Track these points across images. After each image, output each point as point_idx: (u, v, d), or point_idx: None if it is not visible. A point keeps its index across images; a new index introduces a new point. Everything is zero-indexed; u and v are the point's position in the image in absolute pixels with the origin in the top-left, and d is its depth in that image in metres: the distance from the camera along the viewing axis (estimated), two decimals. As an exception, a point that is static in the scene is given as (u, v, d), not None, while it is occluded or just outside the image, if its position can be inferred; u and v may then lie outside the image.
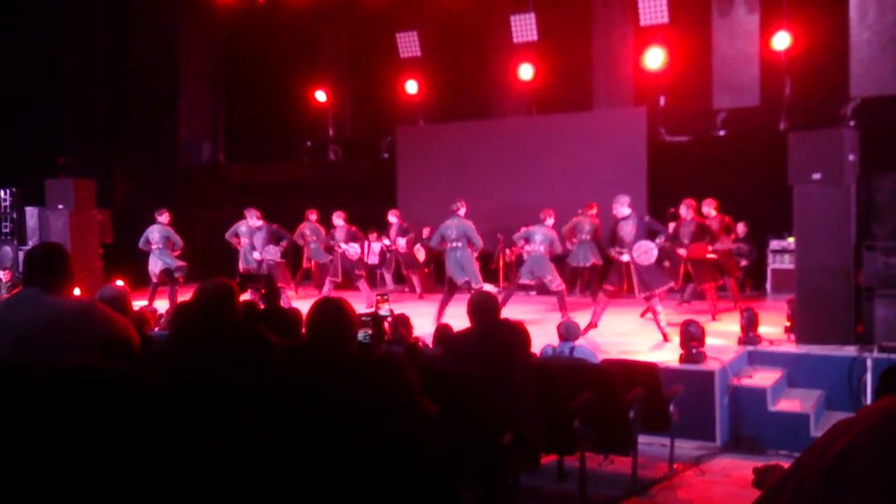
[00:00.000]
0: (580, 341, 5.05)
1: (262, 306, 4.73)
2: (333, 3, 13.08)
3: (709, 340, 5.70)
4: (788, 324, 6.34)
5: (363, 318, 3.25)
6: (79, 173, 10.56)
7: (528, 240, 8.30)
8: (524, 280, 8.16)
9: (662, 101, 11.22)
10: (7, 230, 10.24)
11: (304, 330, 2.74)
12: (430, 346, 4.74)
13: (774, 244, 9.82)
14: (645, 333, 7.18)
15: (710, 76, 11.02)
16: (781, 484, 1.77)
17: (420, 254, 11.52)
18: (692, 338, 5.49)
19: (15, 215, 10.13)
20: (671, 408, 4.58)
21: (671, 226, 8.41)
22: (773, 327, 6.64)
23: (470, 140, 12.26)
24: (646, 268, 6.79)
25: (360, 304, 8.17)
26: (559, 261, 10.10)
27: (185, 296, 7.44)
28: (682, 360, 5.52)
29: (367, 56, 13.24)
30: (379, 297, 4.25)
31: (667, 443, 4.77)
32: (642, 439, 4.54)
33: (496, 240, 10.65)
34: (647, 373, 4.61)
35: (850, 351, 5.79)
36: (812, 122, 9.23)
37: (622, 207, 6.88)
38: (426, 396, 2.66)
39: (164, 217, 9.27)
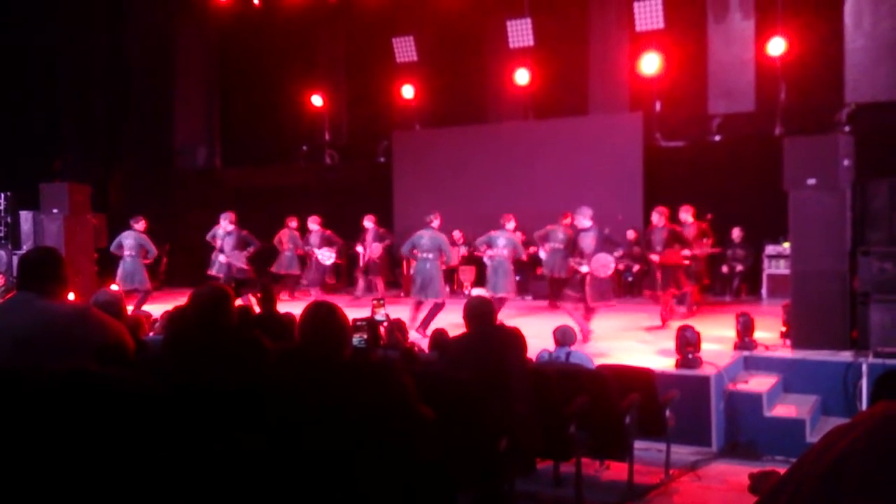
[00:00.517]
0: (576, 346, 5.05)
1: (258, 311, 4.73)
2: (330, 8, 13.11)
3: (705, 346, 5.71)
4: (784, 329, 6.36)
5: (358, 323, 3.24)
6: (74, 177, 10.54)
7: (490, 245, 8.29)
8: (490, 293, 7.97)
9: (658, 106, 11.27)
10: (1, 234, 10.21)
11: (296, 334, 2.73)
12: (426, 350, 4.73)
13: (770, 249, 9.85)
14: (641, 339, 7.18)
15: (706, 81, 11.07)
16: (777, 490, 1.76)
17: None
18: (688, 343, 5.50)
19: (9, 219, 10.10)
20: (667, 413, 4.57)
21: (642, 232, 8.46)
22: (768, 332, 6.65)
23: (466, 144, 12.28)
24: (601, 280, 6.95)
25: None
26: (530, 268, 10.16)
27: (175, 301, 7.44)
28: (678, 365, 5.53)
29: (364, 60, 13.26)
30: (375, 302, 4.24)
31: (663, 448, 4.76)
32: (638, 444, 4.54)
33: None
34: (642, 378, 4.61)
35: (846, 356, 5.80)
36: (807, 128, 9.29)
37: (584, 220, 7.03)
38: (422, 401, 2.66)
39: (139, 224, 9.21)
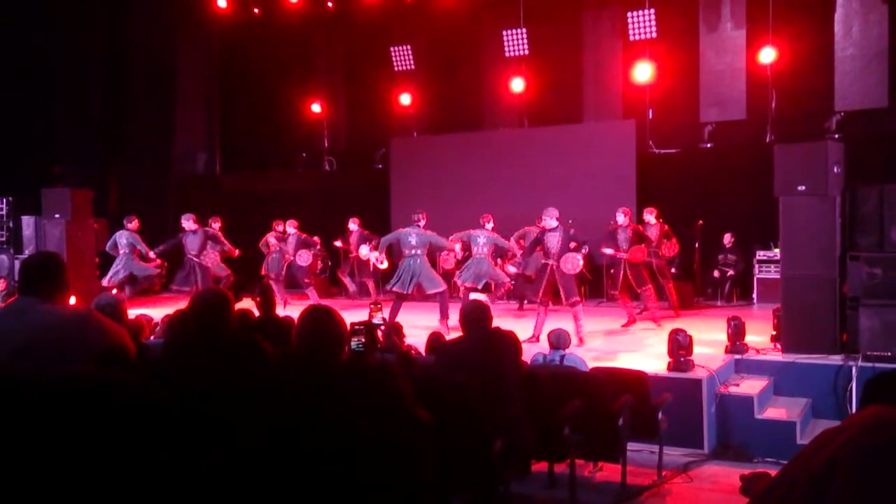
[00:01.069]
0: (570, 349, 5.11)
1: (258, 314, 4.78)
2: (328, 16, 13.22)
3: (696, 349, 5.78)
4: (775, 333, 6.43)
5: (356, 327, 3.30)
6: (75, 183, 10.58)
7: (471, 243, 8.45)
8: (470, 283, 8.17)
9: (651, 114, 11.36)
10: (3, 239, 10.21)
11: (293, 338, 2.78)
12: (423, 354, 4.79)
13: (761, 254, 9.94)
14: (634, 342, 7.26)
15: (698, 90, 11.17)
16: (769, 491, 1.81)
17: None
18: (680, 346, 5.57)
19: (11, 224, 10.12)
20: (660, 415, 4.64)
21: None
22: (759, 336, 6.72)
23: (462, 151, 12.36)
24: (569, 277, 7.16)
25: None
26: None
27: (175, 305, 7.48)
28: (671, 368, 5.59)
29: (362, 69, 13.36)
30: (372, 306, 4.30)
31: (655, 450, 4.83)
32: (631, 446, 4.60)
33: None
34: (635, 381, 4.68)
35: (836, 360, 5.88)
36: (797, 135, 9.36)
37: (550, 220, 7.22)
38: (419, 404, 2.71)
39: (132, 224, 9.30)
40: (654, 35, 10.67)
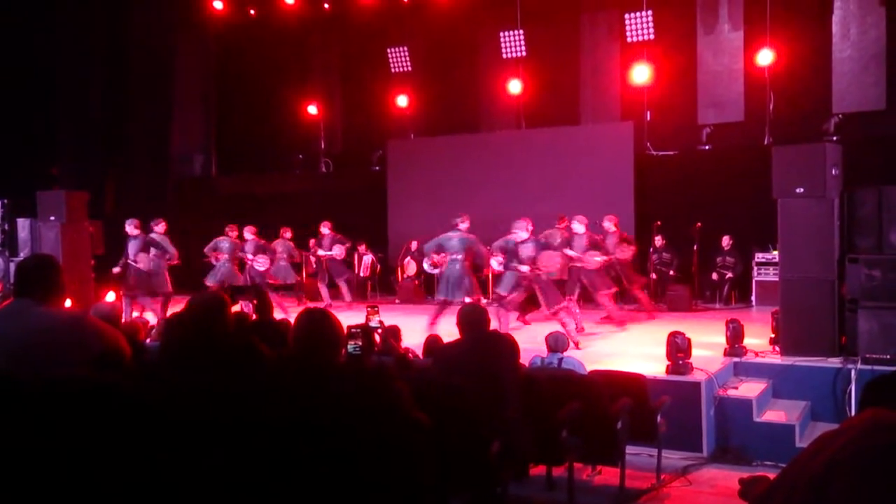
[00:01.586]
0: (568, 352, 5.10)
1: (254, 318, 4.75)
2: (325, 18, 13.22)
3: (695, 352, 5.76)
4: (773, 335, 6.42)
5: (353, 330, 3.28)
6: (72, 184, 10.54)
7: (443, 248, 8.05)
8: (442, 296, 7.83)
9: (649, 116, 11.37)
10: (-1, 241, 10.17)
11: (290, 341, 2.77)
12: (421, 357, 4.77)
13: (759, 257, 9.94)
14: (632, 344, 7.24)
15: (696, 92, 11.20)
16: (768, 495, 1.80)
17: (410, 266, 11.58)
18: (679, 349, 5.55)
19: (6, 226, 10.06)
20: (658, 418, 4.62)
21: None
22: (758, 339, 6.71)
23: (459, 153, 12.36)
24: (547, 284, 7.25)
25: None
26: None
27: (172, 308, 7.45)
28: (669, 371, 5.58)
29: (359, 70, 13.36)
30: (369, 309, 4.28)
31: (654, 453, 4.81)
32: (630, 450, 4.58)
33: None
34: (634, 384, 4.66)
35: (835, 362, 5.86)
36: (795, 137, 9.38)
37: (521, 232, 7.34)
38: (416, 407, 2.69)
39: (160, 227, 9.34)
40: (652, 37, 10.69)
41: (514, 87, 11.80)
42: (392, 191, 12.95)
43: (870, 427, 1.68)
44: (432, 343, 4.89)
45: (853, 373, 5.62)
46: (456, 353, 3.77)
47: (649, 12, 10.64)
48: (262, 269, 9.93)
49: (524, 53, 11.57)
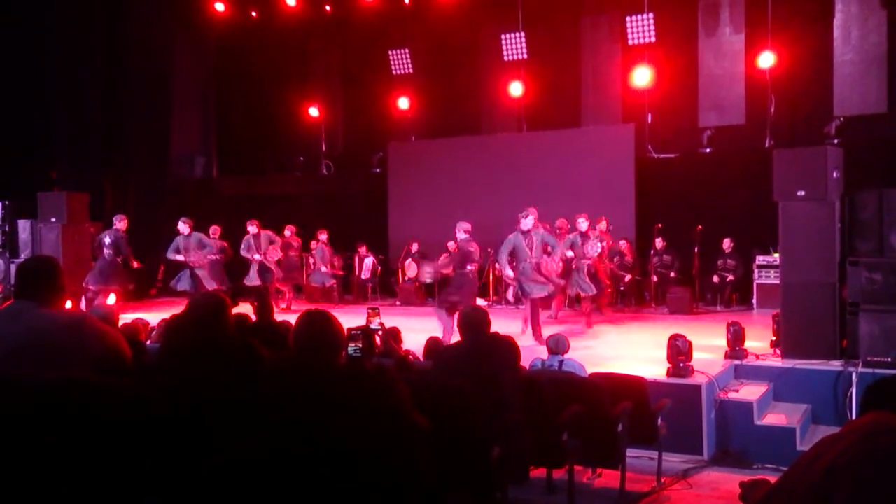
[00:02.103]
0: (569, 355, 5.09)
1: (254, 319, 4.75)
2: (326, 20, 13.23)
3: (696, 354, 5.76)
4: (774, 338, 6.41)
5: (353, 332, 3.28)
6: (71, 186, 10.55)
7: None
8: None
9: (650, 118, 11.37)
10: (-1, 243, 10.20)
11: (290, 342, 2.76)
12: (421, 359, 4.77)
13: (760, 259, 9.93)
14: (633, 347, 7.23)
15: (697, 94, 11.20)
16: (768, 499, 1.79)
17: (411, 268, 11.57)
18: (679, 352, 5.55)
19: (7, 228, 10.09)
20: (659, 421, 4.62)
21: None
22: (759, 342, 6.70)
23: (461, 156, 12.36)
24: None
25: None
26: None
27: (171, 309, 7.43)
28: (670, 374, 5.57)
29: (360, 72, 13.37)
30: (370, 311, 4.28)
31: (655, 456, 4.80)
32: (630, 453, 4.58)
33: (486, 254, 10.71)
34: (635, 386, 4.65)
35: (836, 365, 5.86)
36: (796, 140, 9.40)
37: (461, 233, 7.65)
38: (416, 409, 2.69)
39: (121, 223, 9.28)
40: (653, 40, 10.69)
41: (516, 89, 11.80)
42: (393, 193, 12.95)
43: (871, 431, 1.67)
44: (433, 345, 4.89)
45: (854, 376, 5.62)
46: (456, 356, 3.77)
47: (650, 15, 10.65)
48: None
49: (525, 56, 11.57)
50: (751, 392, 5.71)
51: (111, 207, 12.71)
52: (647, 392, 4.67)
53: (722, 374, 5.82)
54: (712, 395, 5.48)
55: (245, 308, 4.71)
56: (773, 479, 1.89)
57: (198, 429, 2.55)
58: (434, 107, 12.67)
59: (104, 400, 2.55)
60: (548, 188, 11.39)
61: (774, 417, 5.57)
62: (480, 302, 8.11)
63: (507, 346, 3.77)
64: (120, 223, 9.13)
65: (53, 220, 8.95)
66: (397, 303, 11.29)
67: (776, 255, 8.38)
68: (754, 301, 10.03)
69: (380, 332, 4.26)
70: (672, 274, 10.43)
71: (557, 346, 4.99)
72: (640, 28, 10.71)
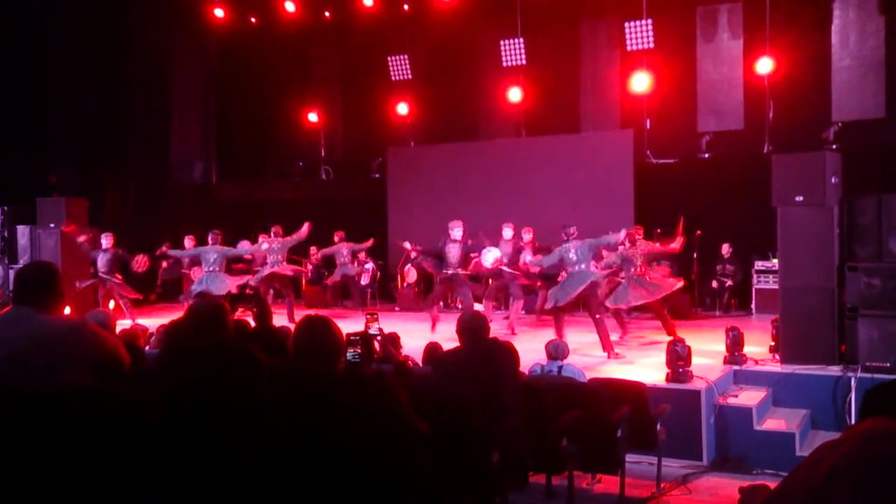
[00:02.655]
0: (568, 360, 5.09)
1: (254, 325, 4.74)
2: (325, 26, 13.26)
3: (695, 360, 5.76)
4: (773, 343, 6.41)
5: (352, 338, 3.27)
6: (71, 192, 10.56)
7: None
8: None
9: (648, 124, 11.39)
10: (-2, 248, 10.20)
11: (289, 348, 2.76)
12: (420, 364, 4.76)
13: (759, 265, 9.94)
14: (633, 352, 7.23)
15: (695, 100, 11.22)
16: (769, 504, 1.80)
17: (411, 274, 11.57)
18: (679, 357, 5.55)
19: (6, 233, 10.09)
20: (658, 427, 4.61)
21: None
22: (758, 347, 6.71)
23: (460, 161, 12.37)
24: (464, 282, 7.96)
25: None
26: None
27: (171, 315, 7.42)
28: (669, 379, 5.57)
29: (359, 78, 13.40)
30: (369, 316, 4.27)
31: (654, 461, 4.80)
32: (630, 458, 4.57)
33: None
34: (634, 392, 4.65)
35: (835, 371, 5.86)
36: (795, 146, 9.41)
37: (456, 231, 7.87)
38: (415, 415, 2.69)
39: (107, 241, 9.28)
40: (652, 45, 10.71)
41: (515, 94, 11.82)
42: (392, 198, 12.96)
43: (870, 436, 1.67)
44: (432, 351, 4.89)
45: (853, 381, 5.63)
46: (455, 361, 3.76)
47: (649, 21, 10.68)
48: (140, 270, 9.64)
49: (524, 61, 11.59)
50: (750, 397, 5.71)
51: (111, 213, 12.72)
52: (646, 397, 4.67)
53: (721, 380, 5.82)
54: (711, 401, 5.47)
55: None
56: (772, 484, 1.89)
57: (197, 433, 2.55)
58: (433, 112, 12.69)
59: (102, 404, 2.55)
60: (546, 194, 11.40)
61: (774, 423, 5.56)
62: (478, 307, 8.10)
63: (507, 351, 3.76)
64: (106, 240, 9.11)
65: (52, 225, 8.95)
66: (396, 308, 11.28)
67: (775, 261, 8.39)
68: (753, 306, 10.03)
69: (379, 338, 4.25)
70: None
71: (556, 352, 4.99)
72: (639, 34, 10.74)
